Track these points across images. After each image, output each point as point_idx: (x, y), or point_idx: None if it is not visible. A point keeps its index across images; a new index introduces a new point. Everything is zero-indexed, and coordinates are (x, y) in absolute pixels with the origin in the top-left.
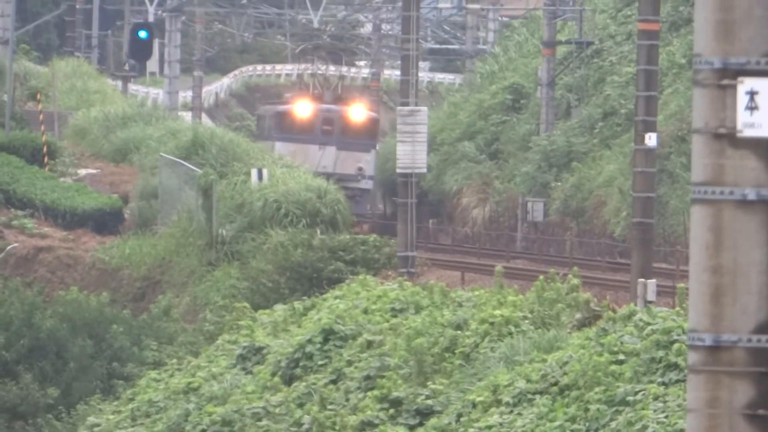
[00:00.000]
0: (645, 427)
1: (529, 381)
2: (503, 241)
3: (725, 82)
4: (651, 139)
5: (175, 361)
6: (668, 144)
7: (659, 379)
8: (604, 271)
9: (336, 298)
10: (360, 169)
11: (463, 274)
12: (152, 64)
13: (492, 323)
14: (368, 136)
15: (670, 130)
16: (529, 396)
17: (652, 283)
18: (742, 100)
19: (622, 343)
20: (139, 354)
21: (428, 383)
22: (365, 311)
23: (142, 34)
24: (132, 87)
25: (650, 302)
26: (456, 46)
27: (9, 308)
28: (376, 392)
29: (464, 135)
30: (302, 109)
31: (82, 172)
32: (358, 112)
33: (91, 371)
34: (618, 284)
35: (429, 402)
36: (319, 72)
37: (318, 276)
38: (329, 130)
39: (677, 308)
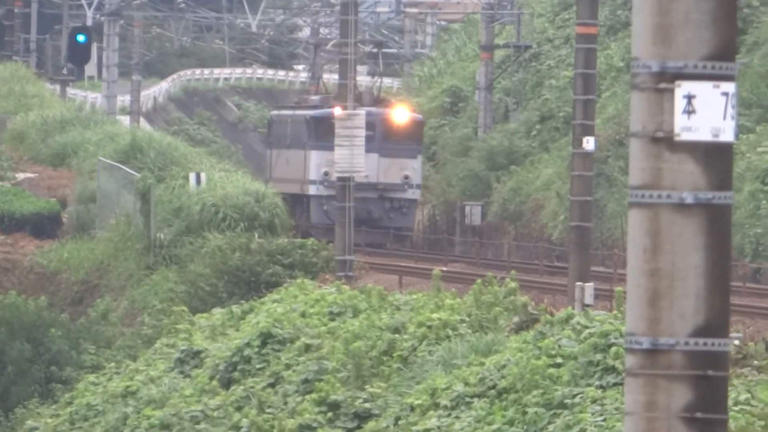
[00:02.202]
0: (583, 430)
1: (467, 384)
2: (441, 244)
3: (663, 85)
4: (589, 143)
5: (113, 364)
6: (606, 148)
7: (597, 383)
8: (542, 275)
9: (274, 301)
10: (406, 177)
11: (401, 278)
12: (90, 68)
13: (430, 327)
14: (413, 141)
15: (608, 134)
16: (467, 399)
17: (589, 286)
18: (679, 104)
19: (559, 346)
20: (77, 358)
21: (366, 387)
22: (303, 315)
23: (81, 38)
24: (70, 91)
25: (588, 306)
26: (394, 50)
27: None
28: (314, 396)
29: None
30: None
31: (21, 176)
32: (401, 114)
33: (29, 375)
34: (556, 288)
35: (367, 405)
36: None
37: (256, 280)
38: (370, 136)
39: (615, 312)
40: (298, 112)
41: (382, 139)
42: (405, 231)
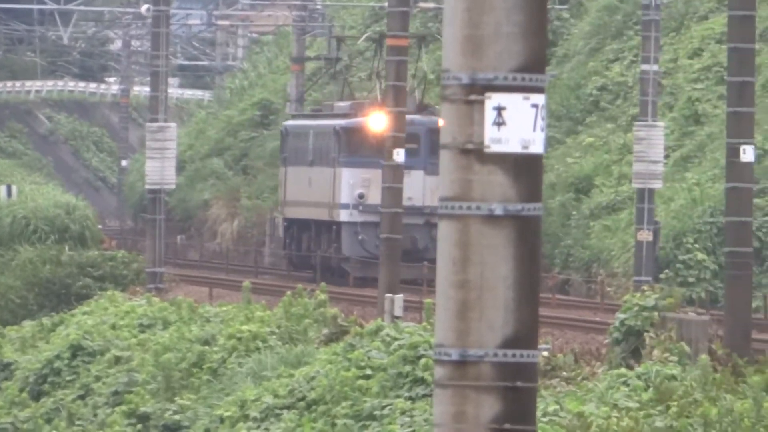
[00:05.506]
0: None
1: (276, 396)
2: (251, 256)
3: (473, 97)
4: (399, 155)
5: None
6: None
7: (406, 394)
8: (352, 287)
9: (84, 314)
10: None
11: (211, 290)
12: None
13: (239, 339)
14: None
15: None
16: (277, 411)
17: (399, 298)
18: (489, 116)
19: (369, 358)
20: None
21: (176, 399)
22: (113, 327)
23: None
24: None
25: (397, 317)
26: (205, 63)
27: None
28: (124, 408)
29: (213, 151)
30: (376, 123)
31: None
32: None
33: None
34: (365, 299)
35: (177, 417)
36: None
37: (66, 292)
38: (414, 150)
39: (424, 323)
40: (324, 121)
41: (428, 153)
42: None
